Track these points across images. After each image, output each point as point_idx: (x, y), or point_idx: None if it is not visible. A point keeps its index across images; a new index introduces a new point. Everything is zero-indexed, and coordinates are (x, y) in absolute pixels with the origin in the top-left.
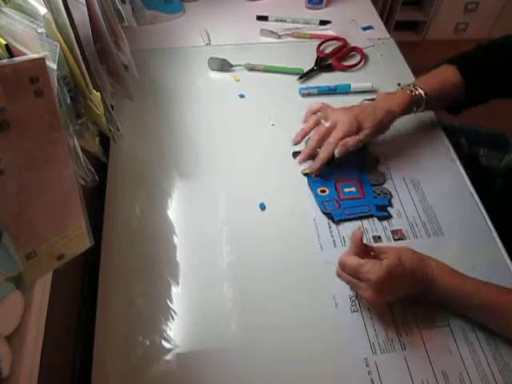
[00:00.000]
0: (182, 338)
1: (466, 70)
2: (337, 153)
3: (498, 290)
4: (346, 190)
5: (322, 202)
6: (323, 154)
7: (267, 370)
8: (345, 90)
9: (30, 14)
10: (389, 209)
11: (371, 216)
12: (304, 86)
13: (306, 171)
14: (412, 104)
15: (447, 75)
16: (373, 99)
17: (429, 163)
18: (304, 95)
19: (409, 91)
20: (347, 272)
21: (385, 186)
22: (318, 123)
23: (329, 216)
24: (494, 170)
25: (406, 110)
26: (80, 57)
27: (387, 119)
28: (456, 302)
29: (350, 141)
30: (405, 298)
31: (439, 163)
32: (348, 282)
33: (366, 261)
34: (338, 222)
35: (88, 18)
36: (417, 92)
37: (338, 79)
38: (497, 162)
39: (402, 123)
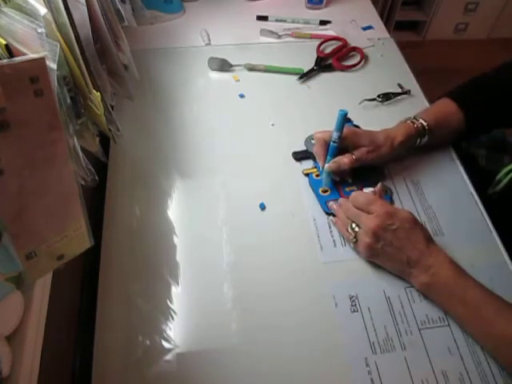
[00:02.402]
0: (182, 338)
1: (465, 104)
2: (327, 168)
3: (490, 294)
4: (347, 189)
5: (324, 202)
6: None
7: (267, 370)
8: None
9: (30, 14)
10: None
11: None
12: (304, 87)
13: (307, 171)
14: (415, 134)
15: (447, 108)
16: (373, 99)
17: (429, 163)
18: None
19: (410, 122)
20: (358, 204)
21: (385, 184)
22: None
23: (331, 216)
24: (492, 172)
25: (409, 139)
26: (80, 57)
27: (386, 145)
28: (449, 294)
29: (345, 158)
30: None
31: (439, 163)
32: (353, 215)
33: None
34: None
35: (88, 18)
36: (418, 123)
37: (338, 79)
38: (495, 164)
39: None
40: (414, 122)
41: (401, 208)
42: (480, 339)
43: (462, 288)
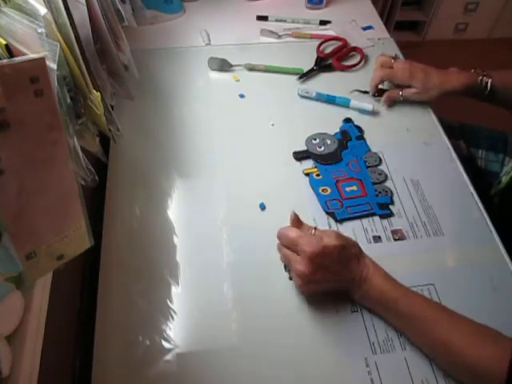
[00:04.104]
0: (182, 338)
1: None
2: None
3: (424, 301)
4: (348, 188)
5: (324, 202)
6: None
7: (267, 370)
8: (343, 104)
9: (30, 14)
10: (390, 207)
11: (373, 214)
12: (304, 86)
13: (308, 171)
14: (476, 87)
15: None
16: (365, 92)
17: (429, 163)
18: (302, 96)
19: (475, 73)
20: (284, 243)
21: (385, 184)
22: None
23: (331, 215)
24: (492, 173)
25: (467, 90)
26: (80, 57)
27: (436, 90)
28: (383, 306)
29: (393, 93)
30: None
31: (439, 163)
32: (284, 256)
33: (306, 234)
34: (339, 222)
35: (88, 18)
36: (484, 77)
37: (338, 79)
38: (495, 165)
39: (402, 123)
40: (478, 74)
41: (325, 231)
42: (421, 348)
43: (393, 299)
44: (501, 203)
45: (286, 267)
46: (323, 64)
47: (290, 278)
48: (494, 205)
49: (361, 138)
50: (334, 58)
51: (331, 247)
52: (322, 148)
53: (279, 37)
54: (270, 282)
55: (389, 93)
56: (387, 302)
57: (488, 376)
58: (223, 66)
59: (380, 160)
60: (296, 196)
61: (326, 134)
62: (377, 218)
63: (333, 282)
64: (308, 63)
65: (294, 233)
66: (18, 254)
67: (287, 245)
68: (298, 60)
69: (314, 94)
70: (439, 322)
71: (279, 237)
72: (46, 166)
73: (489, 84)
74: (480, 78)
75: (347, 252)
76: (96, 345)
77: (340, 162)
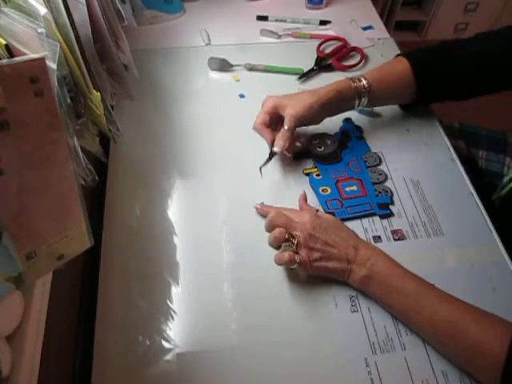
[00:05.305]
0: (182, 338)
1: (417, 62)
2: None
3: (428, 283)
4: (348, 188)
5: (324, 202)
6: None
7: (267, 370)
8: None
9: (30, 13)
10: (390, 207)
11: (373, 214)
12: (304, 86)
13: (308, 171)
14: (350, 95)
15: (398, 66)
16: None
17: (429, 163)
18: None
19: (351, 81)
20: (279, 222)
21: (385, 184)
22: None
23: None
24: (493, 174)
25: (339, 101)
26: (80, 57)
27: (314, 104)
28: (388, 284)
29: (280, 140)
30: None
31: (439, 163)
32: (283, 223)
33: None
34: None
35: (88, 18)
36: (359, 83)
37: (337, 79)
38: (496, 166)
39: (402, 123)
40: (354, 81)
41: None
42: (422, 328)
43: (400, 277)
44: (501, 208)
45: (287, 240)
46: (323, 64)
47: (295, 254)
48: (494, 207)
49: (361, 138)
50: (333, 58)
51: (328, 215)
52: (322, 148)
53: (279, 37)
54: (270, 282)
55: (276, 142)
56: (394, 279)
57: (489, 353)
58: (223, 66)
59: (380, 160)
60: (296, 196)
61: (325, 133)
62: (377, 218)
63: (335, 253)
64: (308, 63)
65: (286, 211)
66: (18, 254)
67: (283, 223)
68: (297, 60)
69: None
70: (444, 299)
71: (271, 221)
72: (45, 166)
73: (366, 85)
74: (352, 82)
75: (345, 227)
76: (96, 345)
77: (340, 162)
